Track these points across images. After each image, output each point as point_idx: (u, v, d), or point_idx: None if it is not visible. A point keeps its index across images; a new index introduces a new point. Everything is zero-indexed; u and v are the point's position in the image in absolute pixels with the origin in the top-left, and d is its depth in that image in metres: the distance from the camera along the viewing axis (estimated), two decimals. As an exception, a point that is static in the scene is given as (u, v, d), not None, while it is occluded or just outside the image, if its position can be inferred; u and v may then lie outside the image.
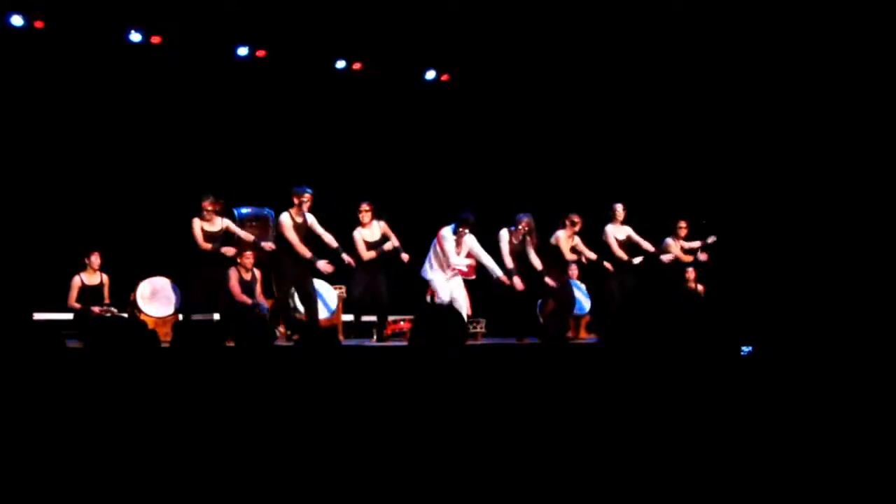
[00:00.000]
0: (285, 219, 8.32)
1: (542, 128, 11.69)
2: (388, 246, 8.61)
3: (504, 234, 8.85)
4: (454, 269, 8.54)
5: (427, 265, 8.63)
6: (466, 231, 8.46)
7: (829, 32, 9.84)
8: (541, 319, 9.30)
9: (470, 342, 8.21)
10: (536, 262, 8.89)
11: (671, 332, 1.94)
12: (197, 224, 8.40)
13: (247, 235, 8.65)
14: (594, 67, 11.00)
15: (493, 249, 8.72)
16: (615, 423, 1.93)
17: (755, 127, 10.98)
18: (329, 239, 8.45)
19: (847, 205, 10.20)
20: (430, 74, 11.17)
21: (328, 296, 9.15)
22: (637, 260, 9.52)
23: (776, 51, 10.28)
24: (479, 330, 9.24)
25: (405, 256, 8.62)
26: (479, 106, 11.43)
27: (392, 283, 8.78)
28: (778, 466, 1.81)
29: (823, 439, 1.93)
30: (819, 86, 10.31)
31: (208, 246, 8.40)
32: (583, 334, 9.75)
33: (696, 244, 9.94)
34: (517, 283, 8.62)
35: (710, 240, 9.91)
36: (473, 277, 8.80)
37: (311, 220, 8.43)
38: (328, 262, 8.31)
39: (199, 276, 8.48)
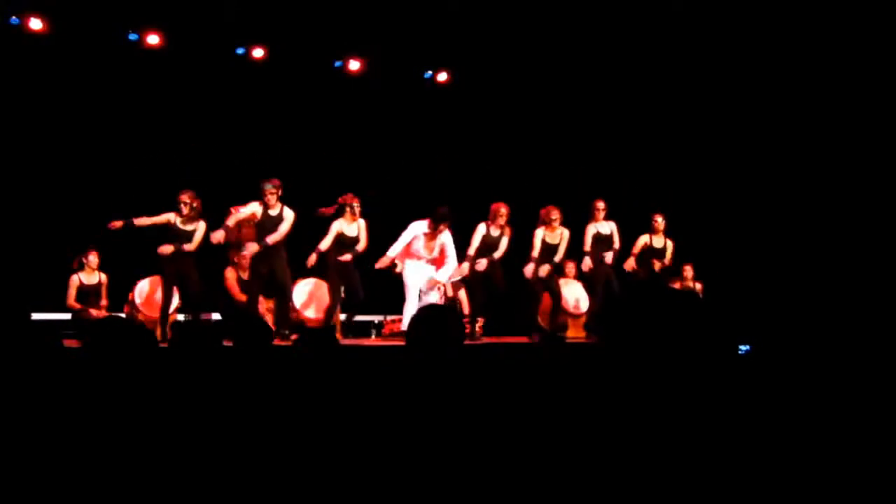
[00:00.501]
0: (252, 205, 8.26)
1: (538, 127, 11.71)
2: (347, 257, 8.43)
3: (481, 228, 8.72)
4: (419, 260, 8.41)
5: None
6: (445, 228, 8.35)
7: (826, 32, 9.86)
8: (538, 319, 9.28)
9: (468, 341, 8.21)
10: (497, 254, 8.68)
11: (668, 331, 1.94)
12: (165, 217, 8.22)
13: (190, 248, 8.24)
14: (588, 66, 11.02)
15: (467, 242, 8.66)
16: (612, 422, 1.93)
17: (752, 125, 11.00)
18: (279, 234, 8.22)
19: (845, 204, 10.22)
20: (428, 74, 11.18)
21: (324, 294, 9.11)
22: (609, 258, 9.18)
23: (773, 49, 10.30)
24: (477, 329, 9.22)
25: (347, 257, 8.41)
26: (476, 105, 11.44)
27: (389, 283, 8.77)
28: (776, 465, 1.82)
29: (822, 438, 1.93)
30: (818, 84, 10.32)
31: (168, 249, 8.18)
32: (580, 333, 9.72)
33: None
34: (463, 268, 8.51)
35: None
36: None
37: (287, 217, 8.21)
38: (249, 251, 8.21)
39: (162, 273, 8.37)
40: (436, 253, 8.48)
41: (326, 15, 10.00)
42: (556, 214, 8.92)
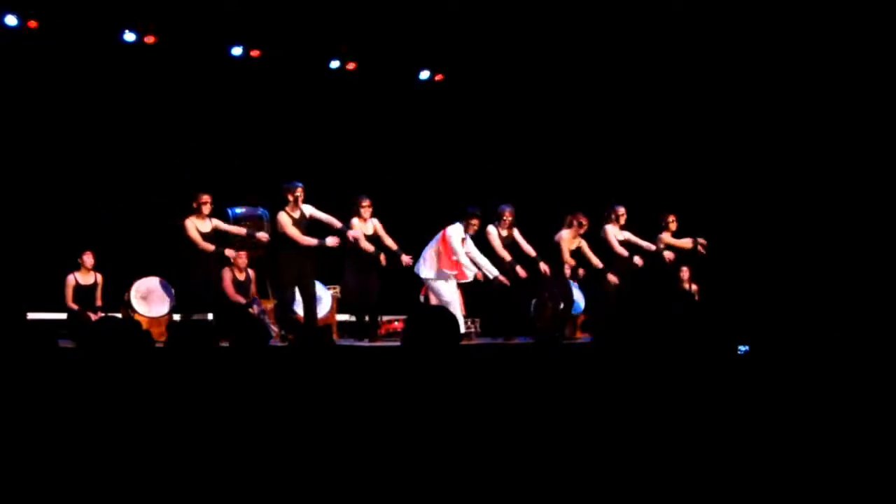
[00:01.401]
0: (283, 217, 8.25)
1: (535, 127, 11.71)
2: (383, 258, 8.52)
3: (492, 230, 8.77)
4: (456, 270, 8.44)
5: (424, 264, 8.57)
6: (477, 225, 8.41)
7: (829, 32, 9.86)
8: (536, 320, 9.27)
9: (464, 342, 8.21)
10: (530, 249, 8.79)
11: (665, 332, 1.94)
12: (192, 225, 8.31)
13: (238, 230, 8.58)
14: (589, 66, 11.02)
15: (485, 249, 8.67)
16: (609, 422, 1.92)
17: (751, 125, 11.00)
18: (331, 220, 8.35)
19: (842, 204, 10.23)
20: (425, 74, 11.18)
21: (322, 296, 9.12)
22: (638, 260, 9.19)
23: (774, 50, 10.30)
24: (473, 330, 9.22)
25: (406, 259, 8.49)
26: (473, 106, 11.44)
27: (385, 283, 8.76)
28: (775, 464, 1.81)
29: (820, 438, 1.93)
30: (816, 85, 10.32)
31: (210, 247, 8.32)
32: (577, 334, 9.71)
33: (687, 243, 9.76)
34: (520, 272, 8.58)
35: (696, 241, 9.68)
36: (467, 280, 8.78)
37: (310, 210, 8.35)
38: (335, 238, 8.22)
39: (195, 276, 8.38)
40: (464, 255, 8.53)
41: (323, 15, 9.98)
42: (584, 220, 9.07)
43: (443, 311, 3.04)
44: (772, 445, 1.84)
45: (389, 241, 8.61)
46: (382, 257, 8.54)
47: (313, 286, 8.45)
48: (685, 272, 9.96)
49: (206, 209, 8.37)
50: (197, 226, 8.35)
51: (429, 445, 2.31)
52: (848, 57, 9.99)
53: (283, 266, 8.33)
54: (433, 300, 8.62)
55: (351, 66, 10.81)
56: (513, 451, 2.13)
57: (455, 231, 8.44)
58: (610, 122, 11.65)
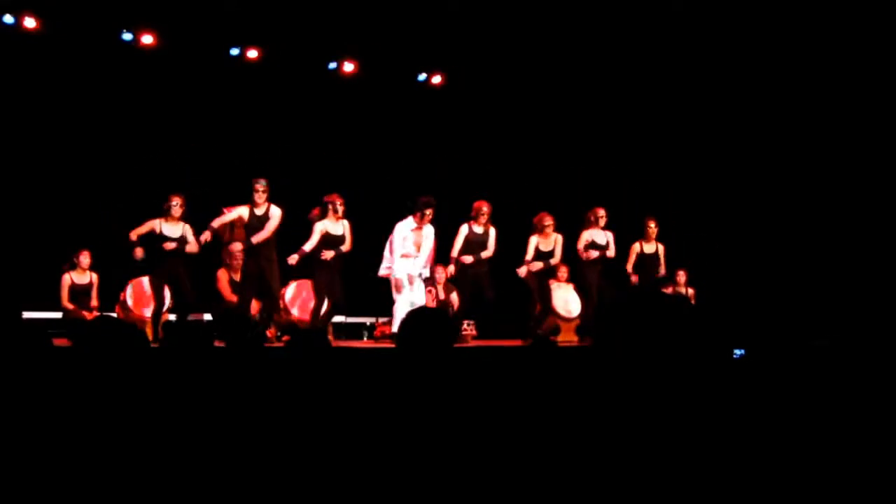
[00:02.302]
0: (239, 208, 8.21)
1: (532, 130, 11.72)
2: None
3: (464, 227, 8.71)
4: (406, 258, 8.40)
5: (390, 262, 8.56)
6: (430, 215, 8.34)
7: (824, 38, 9.87)
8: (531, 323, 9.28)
9: (460, 344, 8.20)
10: (486, 253, 8.66)
11: (662, 335, 1.93)
12: (150, 224, 8.16)
13: (192, 249, 8.27)
14: (583, 70, 11.03)
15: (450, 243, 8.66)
16: (604, 425, 1.92)
17: (744, 131, 11.02)
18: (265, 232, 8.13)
19: (838, 208, 10.24)
20: (422, 76, 11.19)
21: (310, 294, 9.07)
22: (593, 254, 9.11)
23: (769, 52, 10.32)
24: (469, 332, 9.21)
25: (329, 254, 8.30)
26: (471, 107, 11.44)
27: (384, 285, 8.75)
28: (771, 469, 1.81)
29: (817, 442, 1.93)
30: (811, 90, 10.34)
31: (171, 245, 8.13)
32: (573, 337, 9.71)
33: (661, 267, 9.66)
34: (450, 269, 8.54)
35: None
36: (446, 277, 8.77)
37: (273, 215, 8.14)
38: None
39: (156, 276, 8.31)
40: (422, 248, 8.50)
41: (321, 17, 9.98)
42: (548, 220, 8.96)
43: (437, 313, 3.04)
44: (768, 449, 1.84)
45: (346, 247, 8.44)
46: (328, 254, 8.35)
47: (270, 282, 8.24)
48: (682, 275, 9.98)
49: (177, 212, 8.19)
50: (161, 227, 8.19)
51: (423, 447, 2.30)
52: (842, 60, 10.01)
53: (245, 266, 8.24)
54: (420, 297, 8.61)
55: (349, 67, 10.81)
56: (507, 453, 2.12)
57: (399, 225, 8.43)
58: (607, 124, 11.67)
